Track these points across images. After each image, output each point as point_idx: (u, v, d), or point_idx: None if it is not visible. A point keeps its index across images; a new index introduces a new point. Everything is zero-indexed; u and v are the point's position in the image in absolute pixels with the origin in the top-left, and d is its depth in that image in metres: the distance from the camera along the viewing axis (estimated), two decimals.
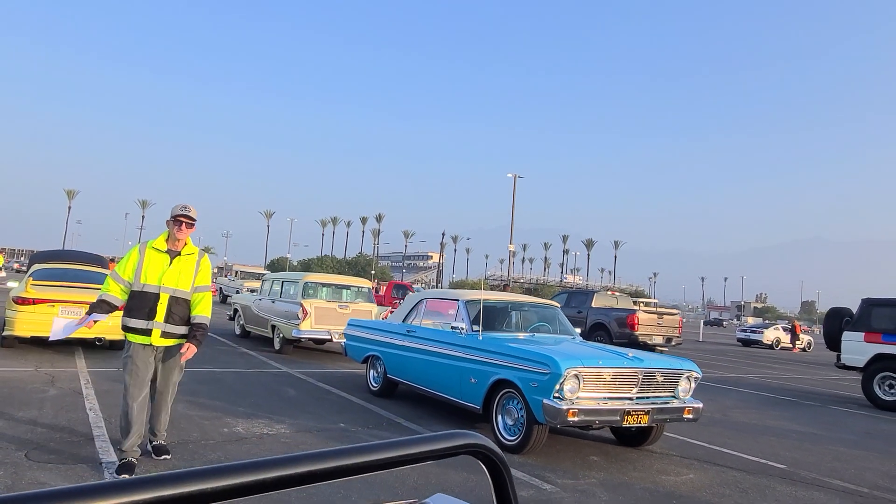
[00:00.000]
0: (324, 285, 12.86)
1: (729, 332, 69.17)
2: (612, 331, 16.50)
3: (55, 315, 8.90)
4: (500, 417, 6.11)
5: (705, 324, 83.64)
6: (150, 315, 4.69)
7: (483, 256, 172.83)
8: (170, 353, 4.86)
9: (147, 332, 4.70)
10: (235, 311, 15.23)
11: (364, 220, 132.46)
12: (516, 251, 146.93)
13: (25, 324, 9.16)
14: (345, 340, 9.41)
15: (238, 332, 14.72)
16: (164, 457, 4.91)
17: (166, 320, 4.71)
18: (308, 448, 4.74)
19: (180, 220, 4.78)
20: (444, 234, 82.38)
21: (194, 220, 4.85)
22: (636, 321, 16.08)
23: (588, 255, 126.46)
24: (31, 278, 9.90)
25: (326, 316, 11.74)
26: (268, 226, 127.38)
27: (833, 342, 12.51)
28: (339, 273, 73.77)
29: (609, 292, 20.16)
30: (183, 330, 4.84)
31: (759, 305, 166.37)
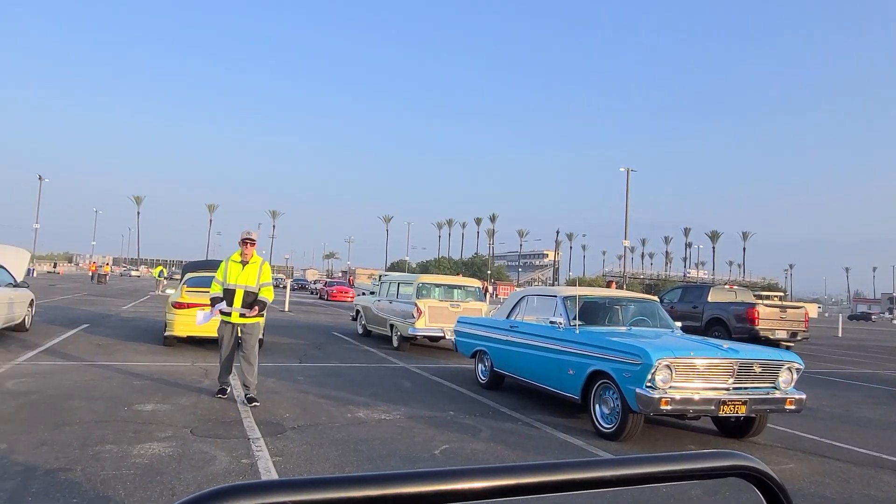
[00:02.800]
0: (436, 286, 13.61)
1: (879, 326, 63.08)
2: (730, 326, 15.99)
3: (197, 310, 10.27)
4: (597, 407, 6.44)
5: (850, 318, 76.61)
6: (231, 303, 7.15)
7: (600, 253, 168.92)
8: (247, 328, 7.21)
9: (229, 314, 7.15)
10: (357, 311, 16.42)
11: (478, 221, 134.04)
12: (635, 246, 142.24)
13: (182, 325, 10.60)
14: (455, 337, 10.05)
15: (360, 331, 15.85)
16: (253, 405, 6.80)
17: (242, 306, 7.14)
18: (419, 431, 5.38)
19: (246, 242, 7.26)
20: (558, 232, 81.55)
21: (255, 240, 7.35)
22: (756, 315, 15.50)
23: (713, 247, 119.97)
24: (186, 286, 11.42)
25: (439, 314, 12.47)
26: (387, 230, 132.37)
27: None
28: (456, 274, 75.30)
29: (727, 286, 19.42)
30: (254, 312, 7.22)
31: None
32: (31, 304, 12.60)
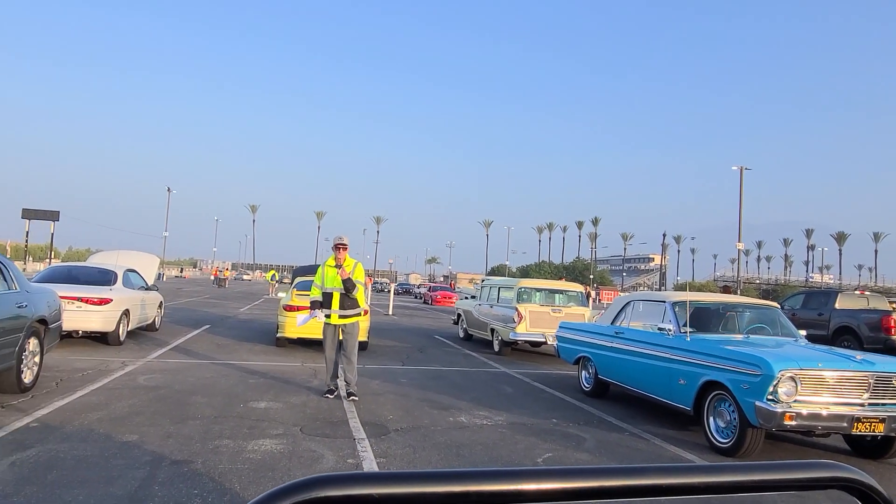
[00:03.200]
0: (537, 290, 13.41)
1: None
2: (861, 335, 14.62)
3: (298, 314, 10.57)
4: (711, 419, 6.07)
5: None
6: (330, 305, 7.49)
7: (711, 256, 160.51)
8: (347, 328, 7.55)
9: (329, 316, 7.50)
10: (459, 315, 16.51)
11: (580, 225, 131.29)
12: (750, 249, 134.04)
13: (293, 327, 11.08)
14: (557, 342, 9.85)
15: (462, 335, 15.92)
16: (352, 398, 7.29)
17: (340, 307, 7.48)
18: (521, 438, 5.27)
19: (338, 246, 7.51)
20: (665, 235, 78.21)
21: (347, 245, 7.59)
22: (892, 324, 14.07)
23: (839, 250, 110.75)
24: (296, 289, 11.93)
25: (540, 319, 12.28)
26: (487, 235, 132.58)
27: None
28: (558, 278, 74.20)
29: (857, 292, 17.82)
30: (351, 312, 7.52)
31: None
32: (160, 306, 13.64)
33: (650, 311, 7.68)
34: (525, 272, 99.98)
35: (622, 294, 13.17)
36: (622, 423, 7.04)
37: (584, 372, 8.81)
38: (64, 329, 8.64)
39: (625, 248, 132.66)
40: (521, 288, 13.01)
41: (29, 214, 47.15)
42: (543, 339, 12.16)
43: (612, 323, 8.28)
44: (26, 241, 51.45)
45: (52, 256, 53.63)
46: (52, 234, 49.83)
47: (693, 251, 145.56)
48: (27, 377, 6.75)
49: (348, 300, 7.52)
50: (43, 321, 7.14)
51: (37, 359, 7.01)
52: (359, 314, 7.68)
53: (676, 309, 7.05)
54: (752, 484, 0.78)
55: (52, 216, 47.47)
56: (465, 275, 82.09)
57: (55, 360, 8.63)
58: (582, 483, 0.73)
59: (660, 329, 7.00)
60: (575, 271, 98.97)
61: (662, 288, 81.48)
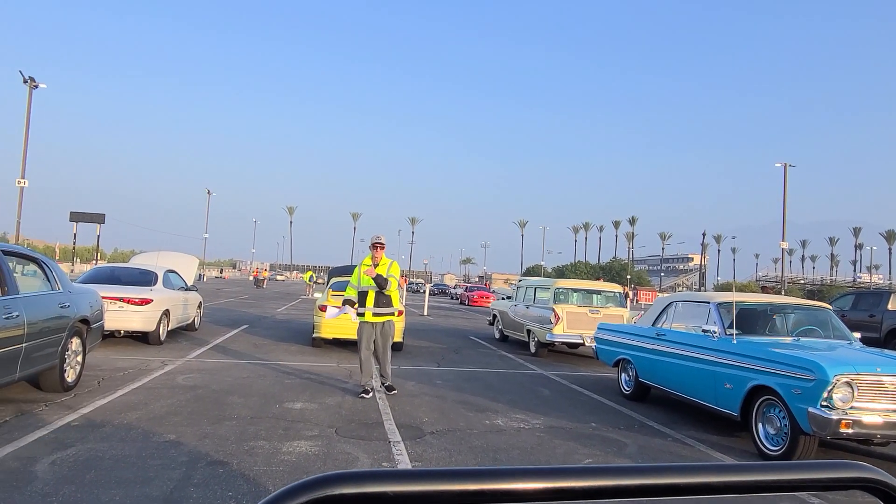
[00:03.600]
0: (574, 290, 13.17)
1: None
2: None
3: (328, 306, 10.51)
4: (760, 425, 5.81)
5: None
6: (364, 303, 7.57)
7: (752, 256, 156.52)
8: (382, 326, 7.66)
9: (363, 314, 7.59)
10: (494, 316, 16.36)
11: (617, 224, 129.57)
12: (794, 249, 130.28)
13: (328, 327, 11.10)
14: (595, 344, 9.63)
15: (497, 336, 15.76)
16: (392, 392, 7.56)
17: (375, 305, 7.56)
18: (560, 443, 5.09)
19: (375, 245, 7.66)
20: (704, 235, 76.43)
21: (384, 244, 7.71)
22: None
23: (889, 248, 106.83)
24: (331, 289, 11.95)
25: (578, 320, 12.05)
26: (522, 235, 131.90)
27: None
28: (596, 279, 73.17)
29: None
30: (385, 311, 7.60)
31: None
32: (199, 307, 13.84)
33: (693, 312, 7.43)
34: (561, 272, 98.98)
35: (663, 295, 12.86)
36: (664, 428, 6.81)
37: (623, 375, 8.59)
38: (106, 329, 8.80)
39: (663, 248, 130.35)
40: (557, 288, 12.80)
41: (76, 217, 48.60)
42: (581, 341, 11.93)
43: (653, 324, 8.04)
44: (74, 243, 53.03)
45: (98, 258, 55.20)
46: (98, 235, 51.34)
47: (734, 251, 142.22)
48: (70, 376, 6.87)
49: (383, 298, 7.60)
50: (85, 321, 7.26)
51: (79, 358, 7.13)
52: (392, 314, 7.78)
53: (721, 310, 6.79)
54: (772, 484, 0.77)
55: (99, 219, 48.87)
56: (500, 275, 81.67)
57: (97, 359, 8.79)
58: (600, 482, 0.72)
59: (704, 331, 6.75)
60: (612, 271, 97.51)
61: (702, 288, 79.66)
